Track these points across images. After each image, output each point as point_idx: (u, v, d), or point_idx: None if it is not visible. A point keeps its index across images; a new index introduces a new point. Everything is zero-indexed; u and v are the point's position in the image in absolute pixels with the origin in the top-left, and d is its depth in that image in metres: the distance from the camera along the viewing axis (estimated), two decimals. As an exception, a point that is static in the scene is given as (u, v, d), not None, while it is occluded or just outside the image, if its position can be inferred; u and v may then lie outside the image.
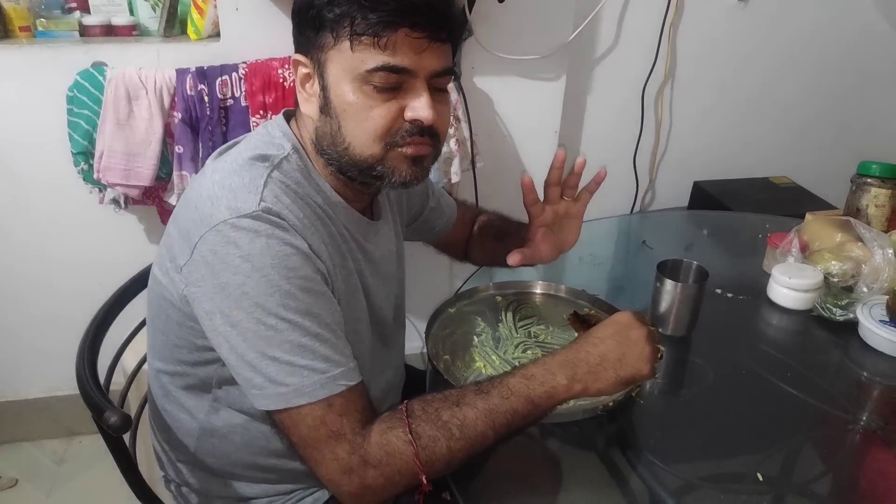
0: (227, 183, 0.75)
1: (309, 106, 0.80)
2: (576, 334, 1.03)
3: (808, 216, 1.28)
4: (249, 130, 1.43)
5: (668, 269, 1.05)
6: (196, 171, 1.44)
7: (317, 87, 0.78)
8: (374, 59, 0.73)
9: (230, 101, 1.43)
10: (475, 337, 1.02)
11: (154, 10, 1.55)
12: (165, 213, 1.56)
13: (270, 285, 0.70)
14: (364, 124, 0.75)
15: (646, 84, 1.88)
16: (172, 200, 1.47)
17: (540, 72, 1.72)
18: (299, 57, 0.79)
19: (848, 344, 1.07)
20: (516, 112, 1.76)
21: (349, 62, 0.74)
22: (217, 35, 1.50)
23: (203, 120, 1.42)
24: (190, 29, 1.51)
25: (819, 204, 1.80)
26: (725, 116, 2.03)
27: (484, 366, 0.96)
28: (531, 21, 1.65)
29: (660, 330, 1.06)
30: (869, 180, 1.25)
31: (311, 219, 0.78)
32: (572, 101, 1.84)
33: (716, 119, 2.02)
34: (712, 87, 1.97)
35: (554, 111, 1.78)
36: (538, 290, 1.15)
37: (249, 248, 0.70)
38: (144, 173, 1.42)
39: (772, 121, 2.07)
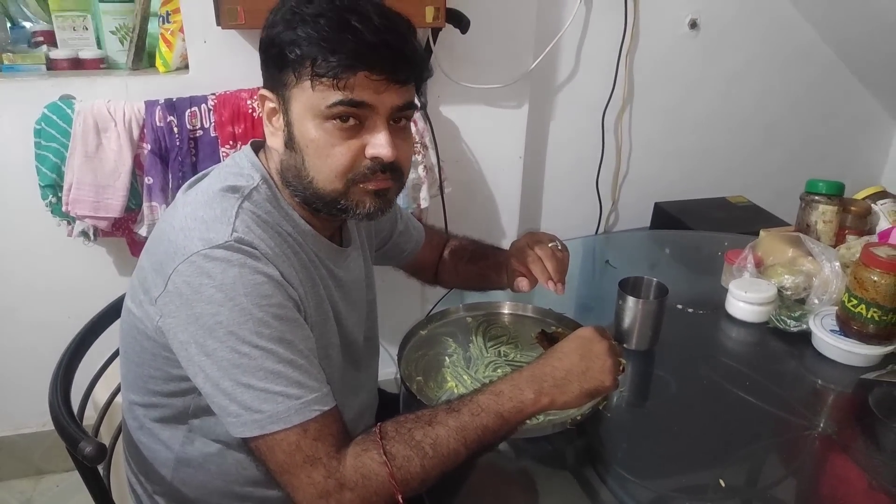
0: (198, 215, 0.77)
1: (275, 139, 0.82)
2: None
3: (762, 233, 1.34)
4: (219, 160, 1.45)
5: (629, 286, 1.09)
6: (166, 202, 1.45)
7: (282, 121, 0.80)
8: (333, 96, 0.75)
9: (199, 132, 1.45)
10: (447, 357, 1.04)
11: (122, 43, 1.56)
12: (135, 244, 1.56)
13: (244, 314, 0.71)
14: (327, 161, 0.77)
15: (605, 110, 1.95)
16: (142, 231, 1.47)
17: (503, 100, 1.77)
18: (265, 92, 0.82)
19: (802, 353, 1.12)
20: (482, 139, 1.80)
21: (310, 100, 0.76)
22: (186, 67, 1.52)
23: (172, 151, 1.43)
24: (158, 62, 1.53)
25: (773, 221, 1.87)
26: (682, 139, 2.11)
27: (456, 385, 0.98)
28: (494, 51, 1.70)
29: (623, 345, 1.10)
30: (816, 198, 1.32)
31: (282, 247, 0.80)
32: (535, 127, 1.90)
33: (673, 142, 2.10)
34: (668, 112, 2.05)
35: (518, 137, 1.84)
36: (507, 311, 1.18)
37: (223, 277, 0.72)
38: (114, 205, 1.43)
39: (726, 142, 2.16)
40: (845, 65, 2.14)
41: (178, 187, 1.51)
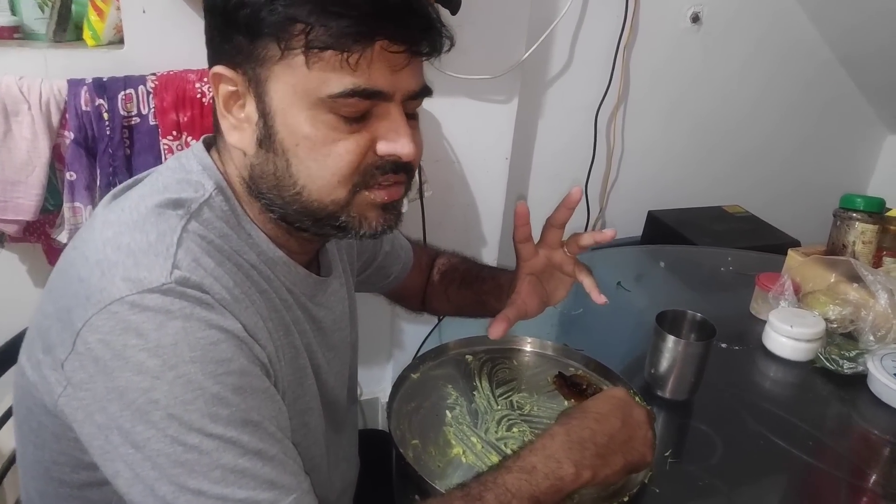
0: (123, 242, 0.54)
1: (239, 136, 0.60)
2: (564, 402, 0.87)
3: (792, 253, 1.19)
4: (159, 154, 1.20)
5: (667, 321, 0.91)
6: (93, 203, 1.20)
7: (252, 111, 0.59)
8: (340, 80, 0.56)
9: (136, 120, 1.20)
10: (447, 412, 0.84)
11: (42, 9, 1.29)
12: (53, 252, 1.29)
13: (191, 388, 0.50)
14: (326, 162, 0.58)
15: (599, 108, 1.78)
16: (62, 238, 1.22)
17: (491, 93, 1.57)
18: (222, 70, 0.60)
19: (856, 399, 0.96)
20: (466, 136, 1.60)
21: (304, 83, 0.56)
22: (120, 41, 1.26)
23: (102, 141, 1.18)
24: (86, 33, 1.26)
25: (777, 236, 1.74)
26: (677, 142, 1.96)
27: (463, 452, 0.78)
28: (483, 38, 1.50)
29: (658, 392, 0.92)
30: (854, 215, 1.17)
31: (244, 286, 0.58)
32: (523, 125, 1.70)
33: (667, 145, 1.95)
34: (664, 113, 1.89)
35: (505, 136, 1.64)
36: (514, 346, 0.98)
37: (158, 336, 0.50)
38: (26, 205, 1.16)
39: (722, 146, 2.02)
40: (842, 65, 2.03)
41: (109, 186, 1.27)
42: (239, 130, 0.60)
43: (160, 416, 0.49)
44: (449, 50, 0.63)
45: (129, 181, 0.65)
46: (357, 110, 0.57)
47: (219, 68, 0.60)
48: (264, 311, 0.60)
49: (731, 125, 1.99)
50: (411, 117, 0.63)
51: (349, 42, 0.54)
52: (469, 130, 1.59)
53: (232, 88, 0.60)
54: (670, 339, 0.87)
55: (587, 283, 0.80)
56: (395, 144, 0.59)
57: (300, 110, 0.57)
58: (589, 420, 0.68)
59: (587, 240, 0.79)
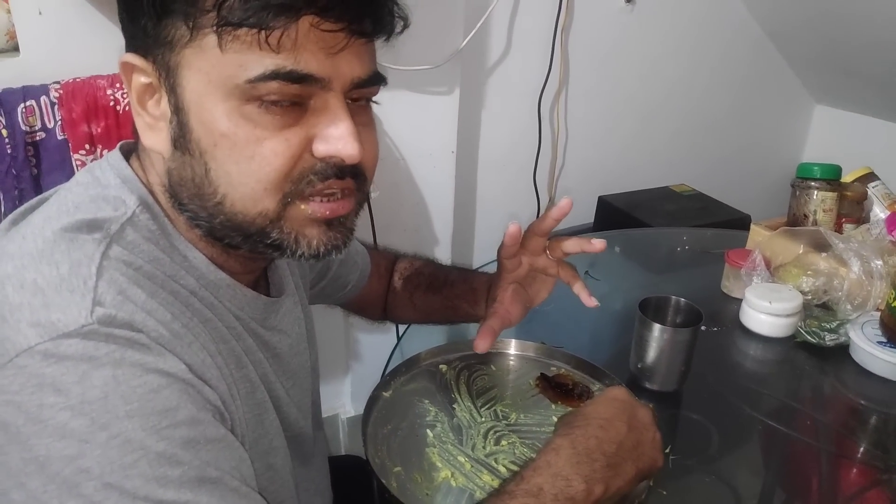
0: (28, 278, 0.44)
1: (154, 136, 0.51)
2: (552, 406, 0.81)
3: (755, 227, 1.16)
4: (72, 171, 1.07)
5: (650, 309, 0.86)
6: (-3, 233, 1.05)
7: (165, 105, 0.50)
8: (259, 61, 0.46)
9: (41, 135, 1.06)
10: (428, 431, 0.75)
11: (-83, 17, 1.13)
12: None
13: (130, 449, 0.40)
14: (249, 166, 0.48)
15: (541, 94, 1.72)
16: (-36, 275, 1.06)
17: (432, 84, 1.50)
18: (132, 58, 0.50)
19: (840, 370, 0.94)
20: (409, 132, 1.52)
21: (218, 68, 0.47)
22: (15, 49, 1.12)
23: (3, 161, 1.04)
24: (-27, 41, 1.12)
25: (727, 212, 1.73)
26: (619, 125, 1.93)
27: (452, 474, 0.69)
28: (419, 26, 1.39)
29: (646, 384, 0.87)
30: (813, 184, 1.15)
31: (183, 318, 0.49)
32: (467, 116, 1.64)
33: (610, 128, 1.92)
34: (605, 95, 1.86)
35: (450, 128, 1.57)
36: (490, 350, 0.90)
37: (83, 390, 0.40)
38: (-84, 242, 1.01)
39: (661, 126, 2.01)
40: (770, 39, 2.05)
41: (14, 210, 1.12)
42: (154, 130, 0.50)
43: (94, 488, 0.39)
44: (402, 31, 0.55)
45: (31, 202, 0.54)
46: (282, 97, 0.47)
47: (128, 56, 0.50)
48: (210, 344, 0.51)
49: (668, 104, 1.98)
50: (359, 112, 0.53)
51: (268, 17, 0.45)
52: (412, 125, 1.51)
53: (145, 80, 0.50)
54: (656, 328, 0.82)
55: (577, 286, 0.75)
56: (335, 143, 0.49)
57: (216, 102, 0.47)
58: (593, 427, 0.62)
59: (572, 247, 0.74)
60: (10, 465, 0.40)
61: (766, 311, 0.97)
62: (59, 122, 1.06)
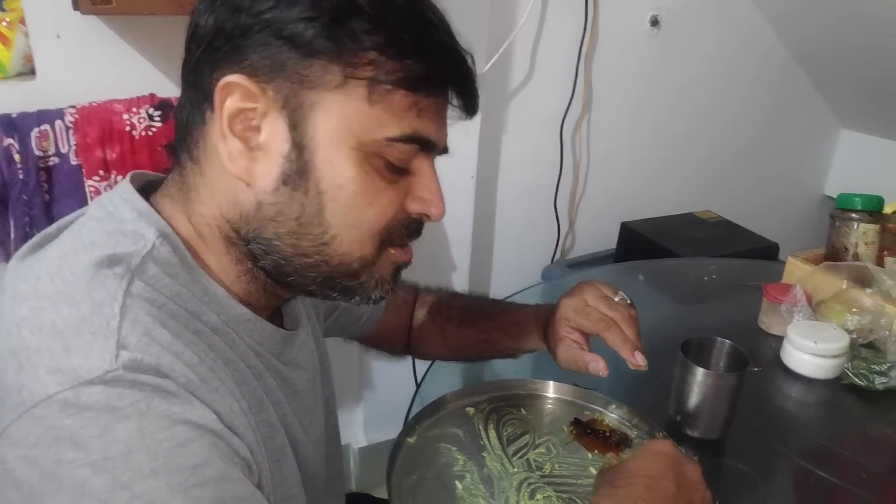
0: (46, 320, 0.41)
1: (248, 165, 0.48)
2: (588, 455, 0.75)
3: (793, 260, 1.11)
4: (85, 198, 1.04)
5: (692, 350, 0.81)
6: (5, 259, 1.02)
7: (276, 139, 0.47)
8: (403, 122, 0.49)
9: (54, 160, 1.03)
10: (457, 482, 0.70)
11: (-67, 39, 1.11)
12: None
13: None
14: (367, 213, 0.50)
15: (564, 119, 1.69)
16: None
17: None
18: (242, 80, 0.46)
19: (890, 415, 0.88)
20: (429, 156, 1.49)
21: (361, 119, 0.48)
22: (31, 72, 1.10)
23: (14, 186, 1.01)
24: (-11, 64, 1.10)
25: (756, 240, 1.68)
26: (642, 149, 1.89)
27: (484, 532, 0.65)
28: (442, 49, 1.40)
29: (687, 431, 0.81)
30: (854, 215, 1.10)
31: (208, 359, 0.45)
32: (487, 141, 1.60)
33: (633, 152, 1.88)
34: (628, 119, 1.82)
35: (470, 153, 1.53)
36: (519, 391, 0.86)
37: (104, 444, 0.37)
38: (-76, 269, 0.98)
39: (685, 151, 1.97)
40: (798, 64, 2.01)
41: (26, 238, 1.09)
42: (249, 159, 0.48)
43: None
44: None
45: (43, 234, 0.51)
46: (406, 158, 0.51)
47: (236, 77, 0.46)
48: (234, 387, 0.48)
49: (692, 128, 1.94)
50: None
51: (424, 84, 0.48)
52: (432, 150, 1.48)
53: (248, 105, 0.47)
54: (700, 372, 0.77)
55: (625, 350, 0.70)
56: (428, 204, 0.53)
57: (349, 148, 0.48)
58: (639, 487, 0.57)
59: (614, 341, 0.71)
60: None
61: (811, 351, 0.91)
62: (73, 147, 1.03)
